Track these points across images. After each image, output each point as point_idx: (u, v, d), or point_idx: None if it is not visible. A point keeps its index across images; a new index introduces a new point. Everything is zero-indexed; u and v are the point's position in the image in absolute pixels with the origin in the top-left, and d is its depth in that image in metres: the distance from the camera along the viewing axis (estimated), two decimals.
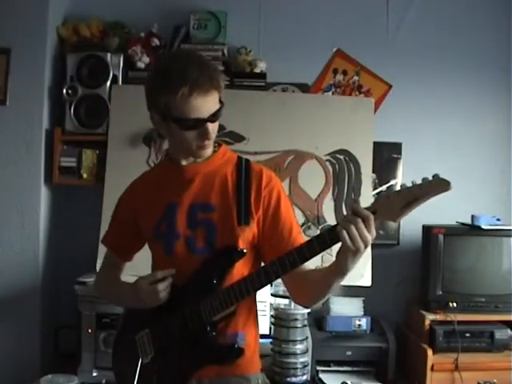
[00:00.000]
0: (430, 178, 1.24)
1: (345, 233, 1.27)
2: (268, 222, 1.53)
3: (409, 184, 1.27)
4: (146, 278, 1.51)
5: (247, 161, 1.60)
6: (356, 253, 1.28)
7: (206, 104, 1.42)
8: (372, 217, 1.28)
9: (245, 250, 1.49)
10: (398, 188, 1.29)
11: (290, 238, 1.51)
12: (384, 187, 3.03)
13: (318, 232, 2.65)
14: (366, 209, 1.30)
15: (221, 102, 1.47)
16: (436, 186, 1.24)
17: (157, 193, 1.59)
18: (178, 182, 1.56)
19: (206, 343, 1.49)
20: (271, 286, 2.44)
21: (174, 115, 1.44)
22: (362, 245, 1.27)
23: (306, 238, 1.51)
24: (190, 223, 1.53)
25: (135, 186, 1.68)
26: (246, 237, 1.51)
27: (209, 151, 1.53)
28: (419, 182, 1.25)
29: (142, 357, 1.56)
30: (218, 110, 1.46)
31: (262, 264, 1.56)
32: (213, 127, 1.47)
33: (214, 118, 1.46)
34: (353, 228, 1.26)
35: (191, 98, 1.40)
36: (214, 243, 1.51)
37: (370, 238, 1.27)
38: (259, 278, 1.42)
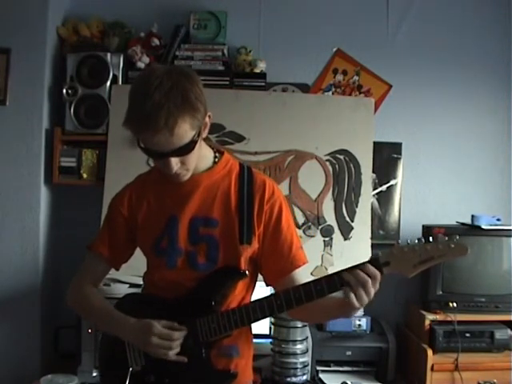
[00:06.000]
0: (446, 238, 1.25)
1: (352, 294, 1.31)
2: (268, 237, 1.51)
3: (426, 241, 1.27)
4: (162, 331, 1.39)
5: (249, 170, 1.55)
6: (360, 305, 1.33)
7: (165, 140, 1.32)
8: (379, 276, 1.31)
9: (247, 272, 1.48)
10: (415, 241, 1.29)
11: (290, 254, 1.51)
12: (384, 187, 3.02)
13: (319, 232, 2.65)
14: (380, 260, 1.32)
15: (198, 133, 1.37)
16: (455, 250, 1.24)
17: (156, 204, 1.54)
18: (178, 194, 1.51)
19: (200, 365, 1.45)
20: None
21: (140, 144, 1.39)
22: (366, 299, 1.31)
23: (306, 250, 1.55)
24: (192, 238, 1.49)
25: (131, 193, 1.58)
26: (247, 256, 1.49)
27: (185, 177, 1.45)
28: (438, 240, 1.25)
29: (132, 365, 1.50)
30: (187, 145, 1.35)
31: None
32: (178, 161, 1.38)
33: (176, 153, 1.36)
34: (360, 287, 1.31)
35: (146, 135, 1.34)
36: (217, 260, 1.48)
37: (373, 292, 1.32)
38: (262, 311, 1.41)
